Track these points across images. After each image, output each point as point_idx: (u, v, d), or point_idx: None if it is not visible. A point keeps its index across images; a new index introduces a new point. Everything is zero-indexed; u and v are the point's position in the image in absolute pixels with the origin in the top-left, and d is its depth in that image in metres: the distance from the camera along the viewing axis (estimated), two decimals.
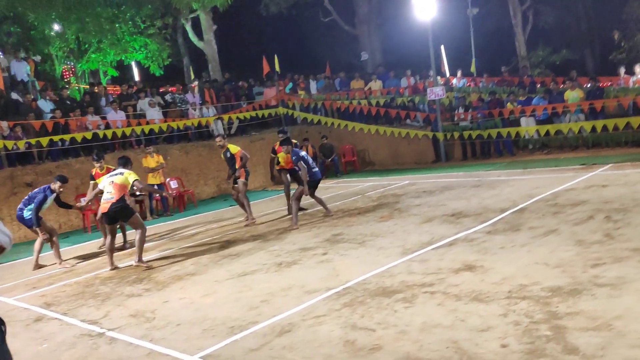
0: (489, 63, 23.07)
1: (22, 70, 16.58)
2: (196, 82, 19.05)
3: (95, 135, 14.08)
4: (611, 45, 23.54)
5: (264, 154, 16.12)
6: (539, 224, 7.34)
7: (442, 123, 16.79)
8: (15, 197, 11.76)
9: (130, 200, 11.61)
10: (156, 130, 15.42)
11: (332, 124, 18.62)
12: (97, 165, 10.20)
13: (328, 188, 14.34)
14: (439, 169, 15.49)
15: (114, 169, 10.45)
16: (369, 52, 25.19)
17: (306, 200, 10.77)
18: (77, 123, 14.24)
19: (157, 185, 13.34)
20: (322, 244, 7.90)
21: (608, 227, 6.69)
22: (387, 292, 5.39)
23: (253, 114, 18.07)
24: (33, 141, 13.12)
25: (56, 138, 13.49)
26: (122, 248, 9.85)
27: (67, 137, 13.71)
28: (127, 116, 15.49)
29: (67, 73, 21.77)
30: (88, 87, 19.74)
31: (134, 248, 8.16)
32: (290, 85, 20.14)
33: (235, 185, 10.53)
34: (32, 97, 15.06)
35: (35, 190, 9.08)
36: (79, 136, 13.80)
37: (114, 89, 20.60)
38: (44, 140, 13.21)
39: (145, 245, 9.79)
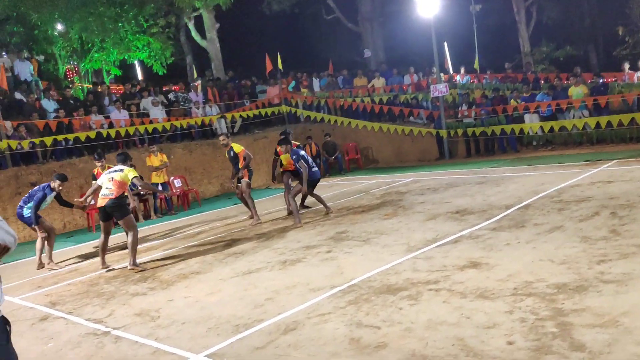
0: (492, 59, 22.98)
1: (26, 70, 16.62)
2: (199, 81, 19.04)
3: (98, 134, 14.10)
4: (615, 40, 23.41)
5: (267, 153, 16.12)
6: (544, 220, 7.31)
7: (445, 120, 16.75)
8: (20, 196, 11.73)
9: (134, 200, 11.66)
10: (159, 129, 15.43)
11: (336, 121, 18.61)
12: (99, 164, 10.22)
13: (332, 186, 14.33)
14: (442, 166, 15.46)
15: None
16: (371, 49, 25.14)
17: (308, 199, 10.78)
18: (80, 122, 14.27)
19: (161, 184, 13.38)
20: (326, 242, 7.89)
21: (614, 224, 6.66)
22: (392, 289, 5.38)
23: (256, 112, 18.07)
24: (37, 141, 13.14)
25: (60, 137, 13.52)
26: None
27: (70, 136, 13.73)
28: (131, 115, 15.51)
29: (70, 72, 21.77)
30: (91, 86, 19.76)
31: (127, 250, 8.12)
32: (293, 83, 20.12)
33: (239, 185, 10.52)
34: (36, 96, 15.10)
35: (35, 188, 9.08)
36: (82, 135, 13.82)
37: (117, 88, 20.63)
38: (48, 140, 13.24)
39: (150, 243, 9.87)
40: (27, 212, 8.80)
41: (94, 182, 9.84)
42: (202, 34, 22.82)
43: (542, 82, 17.80)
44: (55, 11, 17.82)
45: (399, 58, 24.91)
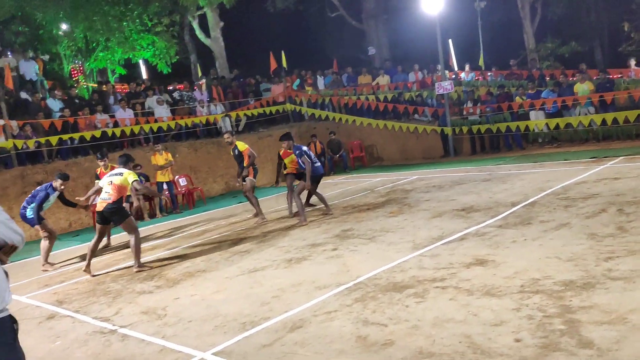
0: (497, 56, 22.91)
1: (31, 69, 16.66)
2: (204, 80, 19.06)
3: (104, 133, 14.14)
4: (621, 36, 23.32)
5: (272, 151, 16.12)
6: (550, 217, 7.28)
7: (450, 117, 16.71)
8: (26, 195, 11.77)
9: (138, 199, 11.67)
10: (164, 128, 15.46)
11: (340, 119, 18.59)
12: (102, 163, 10.24)
13: (337, 184, 14.32)
14: (448, 163, 15.42)
15: (117, 167, 10.51)
16: (376, 47, 25.09)
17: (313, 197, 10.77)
18: (86, 122, 14.31)
19: (166, 182, 13.41)
20: (332, 240, 7.88)
21: (621, 220, 6.63)
22: (398, 287, 5.37)
23: (261, 110, 18.08)
24: (43, 140, 13.21)
25: (65, 137, 13.57)
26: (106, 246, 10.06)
27: (76, 135, 13.78)
28: (136, 114, 15.54)
29: (75, 72, 21.83)
30: (96, 85, 19.81)
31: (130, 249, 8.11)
32: (297, 81, 20.12)
33: (244, 183, 10.52)
34: (41, 96, 15.15)
35: (38, 188, 9.09)
36: (88, 135, 13.87)
37: (122, 87, 20.68)
38: (54, 139, 13.30)
39: (155, 242, 9.90)
40: (29, 213, 8.76)
41: (97, 181, 9.85)
42: (207, 33, 22.84)
43: (548, 78, 17.74)
44: (60, 11, 17.87)
45: (403, 55, 24.87)
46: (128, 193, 10.67)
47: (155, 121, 15.38)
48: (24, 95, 15.08)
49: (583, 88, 15.02)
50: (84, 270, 7.92)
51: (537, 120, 15.46)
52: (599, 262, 5.23)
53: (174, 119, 15.80)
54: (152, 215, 13.10)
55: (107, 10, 18.30)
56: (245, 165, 10.41)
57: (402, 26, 25.62)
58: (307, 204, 10.96)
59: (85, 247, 10.38)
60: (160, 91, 17.21)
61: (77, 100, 15.84)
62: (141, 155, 14.21)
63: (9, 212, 11.01)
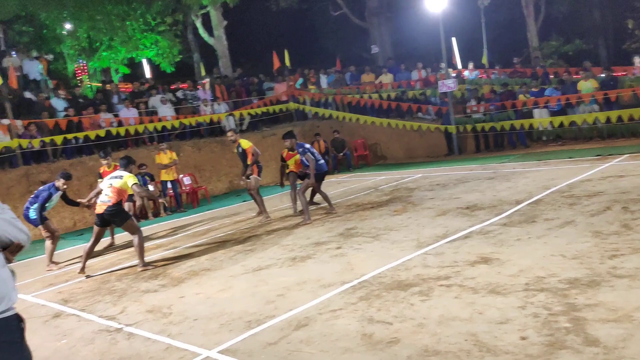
0: (500, 54, 22.88)
1: (35, 69, 16.71)
2: (207, 79, 19.08)
3: (108, 132, 14.17)
4: (625, 34, 23.25)
5: (276, 150, 16.11)
6: (555, 215, 7.27)
7: (454, 116, 16.69)
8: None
9: (144, 198, 11.70)
10: (168, 127, 15.48)
11: (344, 118, 18.58)
12: (105, 162, 10.25)
13: (340, 182, 14.33)
14: (452, 162, 15.41)
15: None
16: (379, 45, 25.06)
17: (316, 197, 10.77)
18: (90, 121, 14.33)
19: (171, 181, 13.44)
20: (336, 238, 7.89)
21: (625, 218, 6.62)
22: (403, 285, 5.37)
23: (264, 109, 18.08)
24: (47, 139, 13.24)
25: (70, 136, 13.61)
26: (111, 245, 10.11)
27: (80, 135, 13.81)
28: (140, 113, 15.57)
29: (79, 71, 21.90)
30: (100, 85, 19.86)
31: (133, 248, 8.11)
32: (300, 80, 20.09)
33: (248, 181, 10.53)
34: (46, 95, 15.20)
35: (41, 188, 9.10)
36: (92, 134, 13.90)
37: (126, 86, 20.70)
38: (58, 139, 13.34)
39: (160, 241, 9.93)
40: (32, 213, 8.75)
41: (99, 180, 9.88)
42: (210, 32, 22.84)
43: (552, 76, 17.70)
44: (64, 10, 17.92)
45: (406, 54, 24.84)
46: (131, 192, 10.72)
47: (159, 120, 15.39)
48: (28, 94, 15.14)
49: (587, 86, 14.98)
50: (79, 273, 7.89)
51: (541, 119, 15.43)
52: (604, 260, 5.22)
53: (177, 118, 15.82)
54: (157, 214, 13.13)
55: (111, 10, 18.35)
56: (249, 163, 10.42)
57: (405, 24, 25.59)
58: (311, 202, 10.95)
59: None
60: (164, 90, 17.24)
61: (81, 100, 15.89)
62: (145, 155, 14.24)
63: (13, 211, 10.98)
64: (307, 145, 9.98)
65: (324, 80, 20.11)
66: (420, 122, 17.55)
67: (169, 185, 13.48)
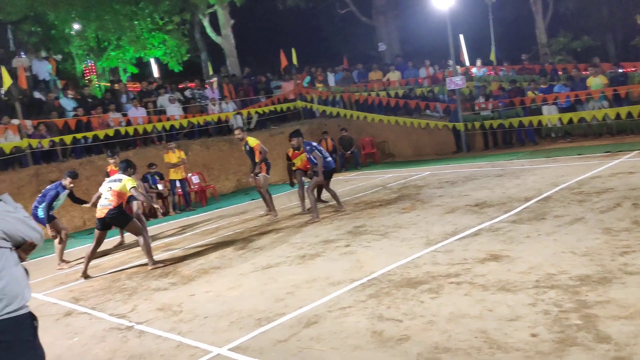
0: (508, 51, 22.77)
1: (44, 69, 16.81)
2: (215, 78, 19.13)
3: (117, 132, 14.24)
4: (633, 30, 23.07)
5: (284, 148, 16.09)
6: (564, 212, 7.24)
7: (462, 113, 16.63)
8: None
9: (153, 197, 11.75)
10: (177, 126, 15.53)
11: (351, 116, 18.56)
12: (112, 161, 10.30)
13: (348, 180, 14.33)
14: (460, 159, 15.37)
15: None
16: (386, 42, 25.01)
17: (324, 193, 10.77)
18: (99, 120, 14.41)
19: (179, 180, 13.49)
20: (345, 236, 7.89)
21: (636, 215, 6.58)
22: (413, 282, 5.37)
23: (272, 108, 18.10)
24: (57, 139, 13.34)
25: (79, 135, 13.69)
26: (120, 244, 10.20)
27: (89, 134, 13.89)
28: (148, 113, 15.63)
29: (87, 71, 22.01)
30: (109, 84, 19.95)
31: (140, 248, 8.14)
32: (308, 78, 20.10)
33: (257, 178, 10.54)
34: (55, 95, 15.29)
35: (48, 187, 9.15)
36: (101, 133, 13.97)
37: (134, 85, 20.78)
38: (67, 138, 13.43)
39: (169, 239, 9.97)
40: (41, 212, 8.81)
41: (107, 178, 9.92)
42: (217, 31, 22.89)
43: (560, 73, 17.61)
44: (72, 10, 18.01)
45: (414, 51, 24.78)
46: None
47: (168, 119, 15.45)
48: (37, 95, 15.25)
49: (596, 82, 14.89)
50: (81, 277, 7.88)
51: (550, 115, 15.35)
52: (614, 257, 5.20)
53: (186, 117, 15.87)
54: (166, 213, 13.18)
55: (118, 10, 18.43)
56: (257, 161, 10.44)
57: (412, 22, 25.53)
58: (318, 199, 10.95)
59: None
60: (172, 89, 17.30)
61: (89, 100, 15.96)
62: (154, 154, 14.31)
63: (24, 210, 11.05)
64: (314, 144, 9.97)
65: (331, 79, 20.10)
66: (428, 120, 17.50)
67: (178, 184, 13.53)
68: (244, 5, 21.64)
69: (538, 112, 15.61)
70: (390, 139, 18.59)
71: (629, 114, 13.92)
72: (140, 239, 7.90)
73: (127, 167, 8.18)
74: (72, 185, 8.99)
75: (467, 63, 20.96)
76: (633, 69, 16.54)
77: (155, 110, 15.97)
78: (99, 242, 8.07)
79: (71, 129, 13.76)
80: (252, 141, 10.52)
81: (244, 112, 17.38)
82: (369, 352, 4.02)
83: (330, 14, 28.46)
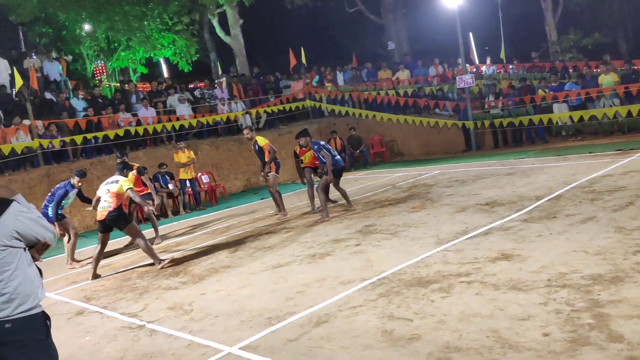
0: (518, 49, 22.67)
1: (55, 70, 16.92)
2: (224, 78, 19.17)
3: (127, 132, 14.32)
4: None
5: (293, 147, 16.09)
6: (576, 211, 7.20)
7: (472, 111, 16.56)
8: None
9: (159, 197, 11.77)
10: (186, 126, 15.59)
11: (360, 115, 18.53)
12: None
13: (357, 179, 14.32)
14: (470, 158, 15.30)
15: (137, 166, 10.64)
16: (395, 41, 24.95)
17: (334, 193, 10.75)
18: (109, 120, 14.49)
19: (189, 180, 13.54)
20: (355, 235, 7.89)
21: None
22: (423, 282, 5.36)
23: (281, 107, 18.12)
24: (67, 139, 13.44)
25: (89, 136, 13.78)
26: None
27: (100, 134, 13.98)
28: (158, 113, 15.70)
29: (97, 72, 22.13)
30: (119, 85, 20.05)
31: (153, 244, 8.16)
32: (317, 77, 20.10)
33: (267, 178, 10.56)
34: (65, 96, 15.41)
35: (57, 186, 9.22)
36: (111, 133, 14.05)
37: (144, 86, 20.87)
38: (78, 138, 13.52)
39: (180, 239, 10.03)
40: (51, 211, 8.86)
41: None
42: (226, 31, 22.94)
43: (571, 70, 17.48)
44: (82, 11, 18.11)
45: (423, 49, 24.69)
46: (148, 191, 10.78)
47: (177, 119, 15.51)
48: (48, 95, 15.36)
49: (608, 79, 14.77)
50: (91, 279, 7.89)
51: (561, 113, 15.25)
52: (627, 256, 5.16)
53: (195, 117, 15.92)
54: (176, 213, 13.25)
55: (128, 11, 18.49)
56: (266, 160, 10.45)
57: (421, 20, 25.43)
58: (327, 199, 10.93)
59: (112, 243, 10.55)
60: (181, 89, 17.37)
61: (100, 100, 16.06)
62: (164, 154, 14.38)
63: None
64: (322, 142, 9.96)
65: (340, 78, 20.09)
66: (438, 118, 17.44)
67: (188, 183, 13.58)
68: (252, 5, 21.67)
69: (548, 110, 15.50)
70: (399, 138, 18.55)
71: None
72: (140, 242, 7.92)
73: (123, 168, 8.25)
74: (80, 184, 9.05)
75: (477, 61, 20.88)
76: None
77: (165, 110, 16.03)
78: (103, 244, 8.10)
79: (82, 129, 13.86)
80: (261, 140, 10.53)
81: (253, 111, 17.40)
82: (379, 352, 4.02)
83: (339, 12, 28.41)
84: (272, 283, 6.17)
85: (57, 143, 13.13)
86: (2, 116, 13.44)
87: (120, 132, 14.17)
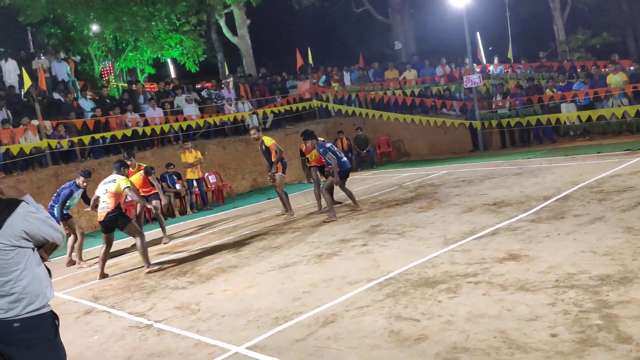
0: (526, 49, 22.56)
1: (63, 70, 17.01)
2: (231, 78, 19.20)
3: (134, 132, 14.38)
4: None
5: (299, 148, 16.15)
6: (584, 211, 7.16)
7: (479, 111, 16.51)
8: None
9: (166, 197, 11.81)
10: (193, 126, 15.63)
11: (367, 115, 18.52)
12: (129, 163, 10.36)
13: (364, 180, 14.30)
14: (477, 158, 15.26)
15: (145, 166, 10.67)
16: (402, 41, 24.91)
17: (340, 194, 10.75)
18: (117, 121, 14.55)
19: (196, 180, 13.58)
20: (361, 235, 7.88)
21: None
22: (430, 282, 5.35)
23: (287, 107, 18.13)
24: (75, 139, 13.51)
25: (97, 136, 13.85)
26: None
27: (107, 134, 14.04)
28: (165, 113, 15.75)
29: (105, 72, 22.23)
30: (126, 85, 20.13)
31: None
32: (323, 77, 20.10)
33: (274, 178, 10.56)
34: (73, 96, 15.49)
35: (63, 186, 9.26)
36: (119, 133, 14.11)
37: (151, 86, 20.95)
38: (86, 139, 13.59)
39: (187, 238, 10.04)
40: (56, 211, 8.90)
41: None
42: (233, 31, 22.98)
43: (579, 70, 17.39)
44: (91, 12, 18.20)
45: (430, 49, 24.63)
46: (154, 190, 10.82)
47: (185, 119, 15.56)
48: (56, 95, 15.45)
49: (616, 79, 14.69)
50: (99, 279, 7.89)
51: (569, 113, 15.18)
52: (636, 256, 5.12)
53: (202, 117, 15.97)
54: (183, 212, 13.29)
55: (136, 11, 18.56)
56: (273, 160, 10.46)
57: (428, 20, 25.38)
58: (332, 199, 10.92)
59: (119, 243, 10.60)
60: (188, 90, 17.43)
61: (107, 100, 16.13)
62: (171, 154, 14.43)
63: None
64: (328, 145, 9.92)
65: (347, 78, 20.08)
66: (445, 118, 17.40)
67: (195, 183, 13.62)
68: (259, 5, 21.69)
69: (556, 110, 15.43)
70: (406, 138, 18.52)
71: None
72: (138, 241, 7.91)
73: (121, 167, 8.25)
74: (85, 184, 9.08)
75: (484, 61, 20.81)
76: None
77: (172, 111, 16.09)
78: (109, 243, 8.11)
79: (90, 129, 13.93)
80: (268, 141, 10.54)
81: (260, 111, 17.43)
82: (386, 352, 4.01)
83: (346, 12, 28.41)
84: (279, 283, 6.18)
85: (65, 143, 13.21)
86: (11, 116, 13.54)
87: (128, 133, 14.23)
